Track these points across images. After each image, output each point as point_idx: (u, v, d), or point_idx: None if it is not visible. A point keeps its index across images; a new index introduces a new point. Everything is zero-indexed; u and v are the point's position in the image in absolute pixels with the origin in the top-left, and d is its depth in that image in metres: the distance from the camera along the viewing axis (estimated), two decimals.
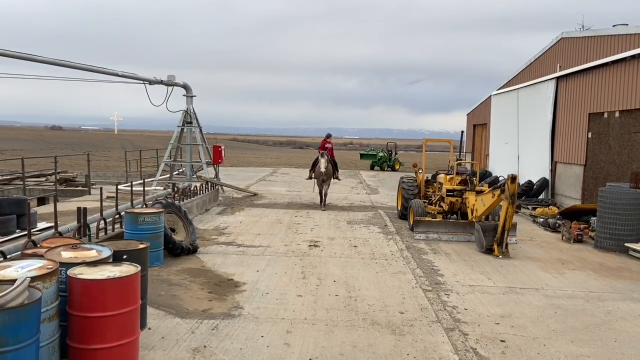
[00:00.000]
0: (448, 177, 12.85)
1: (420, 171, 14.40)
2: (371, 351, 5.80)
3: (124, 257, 5.75)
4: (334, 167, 17.12)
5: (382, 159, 39.05)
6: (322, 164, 16.09)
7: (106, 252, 5.53)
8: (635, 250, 11.17)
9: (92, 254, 5.47)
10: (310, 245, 11.09)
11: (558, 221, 14.28)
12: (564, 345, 6.20)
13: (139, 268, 5.18)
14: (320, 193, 16.88)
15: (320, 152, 16.69)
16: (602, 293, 8.39)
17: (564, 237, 12.62)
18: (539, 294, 8.20)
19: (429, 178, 14.57)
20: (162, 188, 18.67)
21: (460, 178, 12.65)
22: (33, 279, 4.38)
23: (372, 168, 38.97)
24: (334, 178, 17.29)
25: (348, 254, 10.43)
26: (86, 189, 19.40)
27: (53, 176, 19.21)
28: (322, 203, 16.78)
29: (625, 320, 7.14)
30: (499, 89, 26.31)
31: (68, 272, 4.84)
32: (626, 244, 11.42)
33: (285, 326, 6.45)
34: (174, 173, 21.50)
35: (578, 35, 18.49)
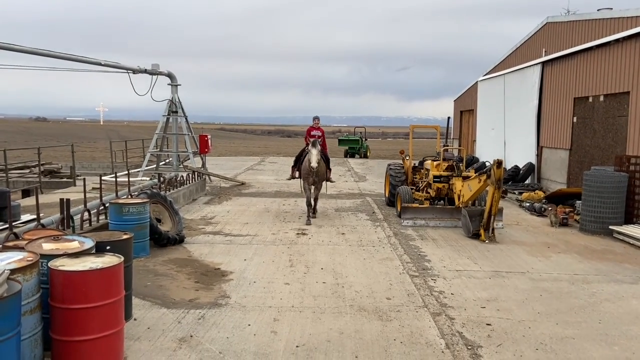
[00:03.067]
0: (435, 163, 12.87)
1: (407, 158, 14.41)
2: (358, 337, 5.82)
3: (107, 248, 5.69)
4: (326, 163, 12.79)
5: (360, 145, 38.07)
6: (313, 157, 11.62)
7: (88, 243, 5.46)
8: (619, 233, 11.30)
9: (74, 245, 5.39)
10: (298, 234, 11.07)
11: (544, 205, 14.40)
12: (549, 327, 6.26)
13: (122, 259, 5.12)
14: (309, 199, 12.41)
15: (311, 139, 12.45)
16: (587, 275, 8.48)
17: (551, 222, 12.72)
18: (524, 278, 8.27)
19: (416, 165, 14.58)
20: (148, 178, 18.53)
21: (447, 164, 12.67)
22: (12, 271, 4.31)
23: (346, 155, 37.63)
24: (326, 180, 13.11)
25: (336, 241, 10.43)
26: (71, 180, 19.19)
27: (37, 168, 18.96)
28: (309, 213, 12.38)
29: (609, 301, 7.23)
30: (485, 75, 26.35)
31: (49, 264, 4.77)
32: (610, 227, 11.55)
33: (272, 314, 6.44)
34: (160, 163, 21.33)
35: (563, 19, 18.52)
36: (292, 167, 13.60)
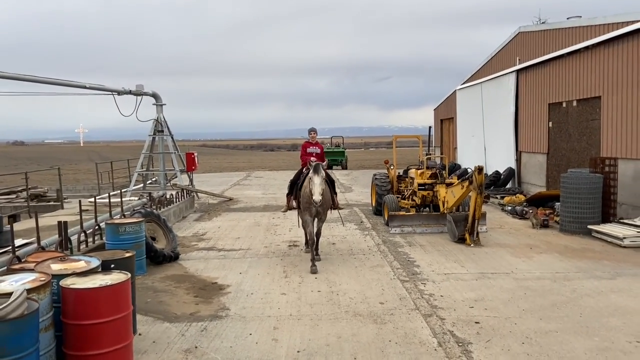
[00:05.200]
0: (419, 171, 13.30)
1: (392, 167, 14.82)
2: (355, 340, 6.13)
3: (112, 266, 5.93)
4: (330, 188, 10.09)
5: (344, 157, 37.33)
6: (316, 187, 8.83)
7: (95, 262, 5.70)
8: (597, 232, 11.80)
9: (80, 265, 5.63)
10: (289, 246, 11.36)
11: (525, 208, 14.90)
12: (533, 322, 6.64)
13: (129, 275, 5.38)
14: (311, 236, 9.61)
15: (310, 162, 9.34)
16: (568, 273, 8.91)
17: (532, 224, 13.19)
18: (509, 278, 8.66)
19: (401, 173, 15.01)
20: (136, 198, 18.65)
21: (430, 172, 13.11)
22: (28, 291, 4.54)
23: (329, 167, 37.81)
24: (332, 208, 10.28)
25: (327, 251, 10.73)
26: (59, 203, 19.20)
27: (24, 192, 18.95)
28: (313, 255, 9.38)
29: (589, 297, 7.64)
30: (463, 84, 27.05)
31: (60, 283, 5.00)
32: (589, 226, 12.04)
33: (272, 323, 6.72)
34: (147, 182, 21.46)
35: (535, 29, 19.26)
36: (287, 195, 10.57)
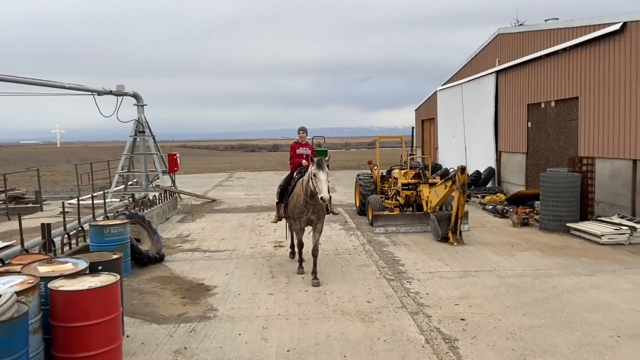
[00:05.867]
0: (402, 172, 13.44)
1: (375, 167, 14.94)
2: (344, 339, 6.19)
3: (99, 268, 5.90)
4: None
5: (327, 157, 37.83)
6: (323, 182, 7.91)
7: (82, 265, 5.66)
8: (576, 230, 12.08)
9: (68, 267, 5.59)
10: (275, 246, 11.39)
11: (506, 207, 15.17)
12: (517, 318, 6.79)
13: (118, 277, 5.36)
14: (300, 241, 9.06)
15: (314, 160, 8.20)
16: (549, 270, 9.11)
17: (513, 222, 13.42)
18: (492, 275, 8.83)
19: (384, 174, 15.14)
20: (118, 200, 18.45)
21: (413, 172, 13.26)
22: (17, 293, 4.50)
23: None
24: (327, 212, 9.12)
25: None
26: (37, 205, 18.90)
27: (1, 195, 18.60)
28: (300, 258, 9.17)
29: (570, 293, 7.83)
30: (443, 85, 27.37)
31: (49, 285, 4.96)
32: (568, 224, 12.32)
33: (260, 323, 6.75)
34: (128, 184, 21.24)
35: (514, 31, 19.60)
36: (277, 203, 9.68)
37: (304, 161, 9.02)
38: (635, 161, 12.52)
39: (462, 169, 10.70)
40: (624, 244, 10.92)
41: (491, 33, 21.55)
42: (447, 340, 6.09)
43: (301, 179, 8.67)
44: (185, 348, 6.00)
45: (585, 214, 12.78)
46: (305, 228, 8.94)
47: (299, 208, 8.59)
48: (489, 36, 21.66)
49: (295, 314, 7.07)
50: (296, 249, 9.41)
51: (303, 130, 9.64)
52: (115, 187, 20.52)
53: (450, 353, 5.74)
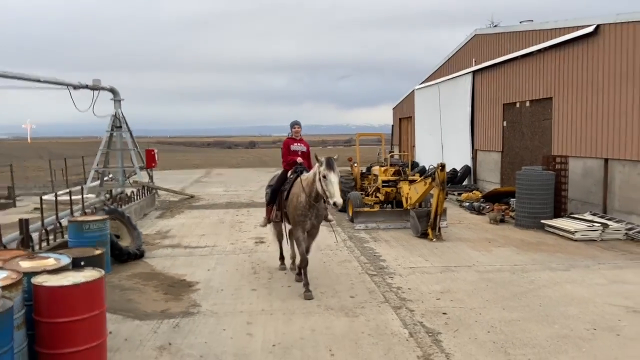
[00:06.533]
0: (382, 169, 13.57)
1: (355, 165, 15.05)
2: (329, 333, 6.25)
3: (82, 263, 5.84)
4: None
5: None
6: (335, 185, 7.10)
7: (65, 260, 5.59)
8: (550, 226, 12.38)
9: (50, 262, 5.51)
10: (256, 242, 11.38)
11: (482, 204, 15.45)
12: (497, 312, 6.95)
13: (103, 272, 5.31)
14: (303, 254, 7.88)
15: (322, 160, 7.25)
16: (525, 265, 9.33)
17: (490, 219, 13.64)
18: (471, 270, 9.00)
19: (364, 171, 15.26)
20: (94, 196, 18.14)
21: (394, 169, 13.41)
22: (1, 289, 4.42)
23: None
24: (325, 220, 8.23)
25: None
26: (11, 201, 18.45)
27: None
28: (305, 273, 7.80)
29: (546, 287, 8.05)
30: (421, 84, 27.66)
31: (32, 281, 4.88)
32: (542, 221, 12.62)
33: (244, 318, 6.75)
34: (104, 179, 20.89)
35: (490, 31, 19.94)
36: (267, 206, 8.67)
37: (298, 158, 8.27)
38: (606, 160, 12.89)
39: (442, 167, 10.88)
40: (596, 240, 11.25)
41: (467, 34, 21.89)
42: (430, 334, 6.21)
43: (299, 179, 7.80)
44: (170, 344, 5.98)
45: (559, 211, 13.12)
46: (306, 234, 7.93)
47: (300, 210, 7.61)
48: (466, 37, 21.98)
49: (280, 309, 7.10)
50: (293, 261, 8.58)
51: (297, 124, 8.67)
52: (91, 183, 20.16)
53: (433, 346, 5.85)
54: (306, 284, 7.68)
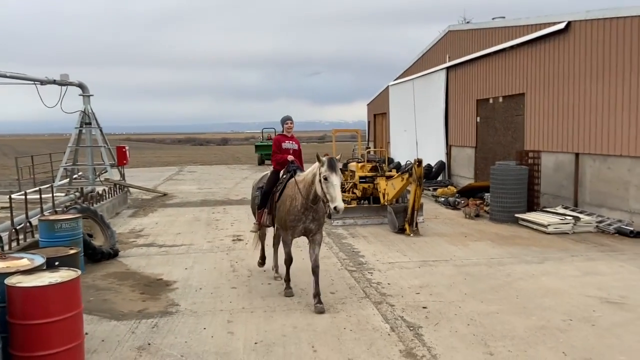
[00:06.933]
0: (359, 164, 13.59)
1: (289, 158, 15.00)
2: (311, 329, 6.22)
3: (56, 263, 5.66)
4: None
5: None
6: (337, 188, 6.55)
7: (39, 260, 5.40)
8: (523, 220, 12.61)
9: (24, 262, 5.32)
10: (234, 240, 11.26)
11: (457, 199, 15.64)
12: (475, 305, 7.03)
13: (79, 272, 5.15)
14: (289, 254, 7.45)
15: (324, 158, 6.74)
16: (501, 259, 9.48)
17: (467, 215, 13.71)
18: (449, 265, 9.10)
19: (341, 167, 15.24)
20: (63, 194, 17.67)
21: (371, 165, 13.44)
22: None
23: (261, 163, 34.87)
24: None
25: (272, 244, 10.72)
26: None
27: None
28: (288, 277, 7.58)
29: (522, 280, 8.19)
30: (395, 80, 27.83)
31: (6, 282, 4.70)
32: (516, 215, 12.84)
33: (225, 317, 6.66)
34: (73, 177, 20.39)
35: (463, 28, 20.18)
36: (259, 208, 8.05)
37: (289, 156, 7.62)
38: (577, 155, 13.20)
39: (419, 162, 10.95)
40: (568, 233, 11.50)
41: (440, 30, 22.09)
42: (411, 328, 6.24)
43: (293, 180, 7.25)
44: (149, 344, 5.85)
45: (532, 205, 13.37)
46: (296, 238, 7.44)
47: (294, 215, 7.03)
48: (440, 33, 22.18)
49: (260, 306, 7.03)
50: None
51: (290, 120, 7.99)
52: (60, 181, 19.65)
53: (415, 340, 5.88)
54: (287, 280, 7.51)
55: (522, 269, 8.77)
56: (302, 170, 7.56)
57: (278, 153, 7.78)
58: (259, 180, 8.39)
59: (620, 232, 11.21)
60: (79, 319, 5.05)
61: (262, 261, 8.80)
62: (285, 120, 7.98)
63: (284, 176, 7.54)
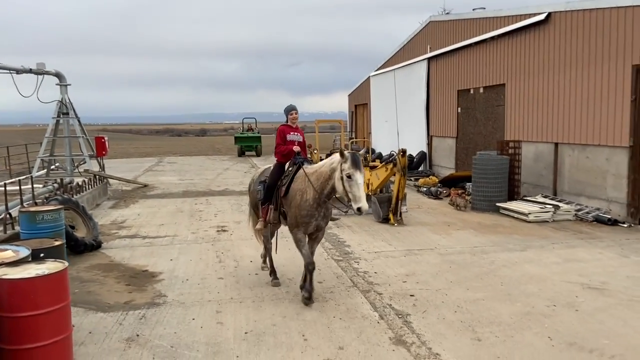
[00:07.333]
0: None
1: (315, 151, 15.01)
2: (300, 319, 6.24)
3: (42, 255, 5.55)
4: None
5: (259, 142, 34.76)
6: (360, 187, 6.18)
7: (24, 252, 5.31)
8: (505, 209, 12.81)
9: (8, 254, 5.23)
10: (218, 231, 11.20)
11: (439, 189, 15.80)
12: (461, 292, 7.13)
13: (67, 264, 5.06)
14: (309, 258, 6.80)
15: (347, 152, 6.36)
16: (484, 247, 9.63)
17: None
18: (434, 253, 9.20)
19: (323, 157, 15.24)
20: (41, 185, 17.31)
21: None
22: None
23: (241, 154, 34.49)
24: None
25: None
26: None
27: None
28: (311, 285, 6.79)
29: (506, 267, 8.33)
30: (377, 70, 27.85)
31: None
32: (497, 204, 13.04)
33: (213, 307, 6.64)
34: (50, 168, 19.97)
35: (445, 18, 20.26)
36: (262, 204, 7.32)
37: (295, 147, 7.10)
38: (556, 144, 13.43)
39: (403, 152, 11.01)
40: (548, 221, 11.73)
41: (422, 21, 22.16)
42: (400, 316, 6.30)
43: (302, 172, 6.78)
44: (138, 335, 5.80)
45: (513, 194, 13.58)
46: (309, 237, 6.90)
47: (306, 210, 6.55)
48: (421, 24, 22.25)
49: (248, 297, 7.02)
50: (308, 272, 6.75)
51: (295, 110, 7.43)
52: (37, 172, 19.23)
53: (404, 327, 5.95)
54: (310, 291, 6.70)
55: (505, 257, 8.92)
56: (309, 162, 7.21)
57: (282, 145, 7.24)
58: (261, 174, 7.75)
59: (598, 220, 11.48)
60: (67, 311, 4.97)
61: (275, 277, 7.67)
62: (290, 110, 7.41)
63: (290, 169, 7.04)
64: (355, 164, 6.11)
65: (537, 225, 11.44)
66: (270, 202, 7.13)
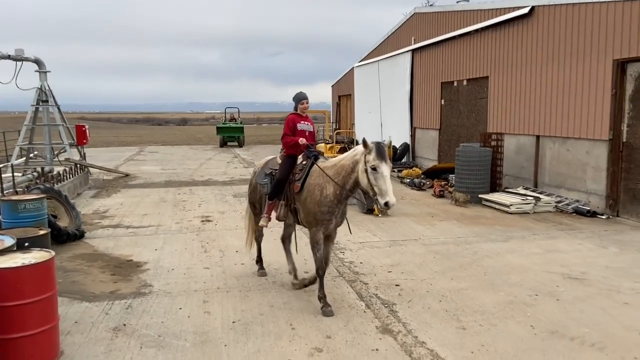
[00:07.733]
0: (328, 146, 13.64)
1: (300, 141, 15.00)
2: (288, 308, 6.28)
3: (26, 244, 5.49)
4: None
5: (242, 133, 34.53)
6: (388, 181, 5.65)
7: (9, 241, 5.25)
8: (487, 200, 13.00)
9: None
10: (202, 221, 11.15)
11: (423, 180, 15.94)
12: (446, 282, 7.25)
13: (53, 253, 5.02)
14: (320, 261, 6.33)
15: (371, 144, 5.74)
16: (467, 237, 9.77)
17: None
18: (418, 244, 9.31)
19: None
20: (20, 174, 17.00)
21: (339, 146, 13.51)
22: None
23: (223, 145, 34.24)
24: None
25: (242, 225, 10.54)
26: None
27: None
28: (323, 292, 6.26)
29: (489, 257, 8.48)
30: (360, 61, 27.84)
31: None
32: (480, 196, 13.22)
33: (200, 297, 6.64)
34: (29, 157, 19.60)
35: (429, 10, 20.33)
36: (270, 199, 6.83)
37: (301, 139, 6.53)
38: (538, 137, 13.64)
39: (389, 144, 11.06)
40: (529, 213, 11.95)
41: (406, 12, 22.20)
42: (386, 305, 6.39)
43: (317, 166, 6.31)
44: (125, 325, 5.78)
45: (495, 186, 13.78)
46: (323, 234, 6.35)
47: (327, 206, 6.07)
48: (405, 15, 22.29)
49: (235, 286, 7.04)
50: (295, 275, 6.78)
51: (306, 98, 6.86)
52: (16, 160, 18.86)
53: (390, 317, 6.03)
54: (324, 297, 6.22)
55: (488, 247, 9.07)
56: (323, 156, 6.73)
57: (290, 135, 6.66)
58: (264, 166, 7.20)
59: (578, 212, 11.73)
60: (53, 301, 4.94)
61: (261, 266, 7.61)
62: (301, 99, 6.82)
63: (304, 162, 6.51)
64: (381, 155, 5.61)
65: (518, 217, 11.64)
66: (280, 197, 6.63)
